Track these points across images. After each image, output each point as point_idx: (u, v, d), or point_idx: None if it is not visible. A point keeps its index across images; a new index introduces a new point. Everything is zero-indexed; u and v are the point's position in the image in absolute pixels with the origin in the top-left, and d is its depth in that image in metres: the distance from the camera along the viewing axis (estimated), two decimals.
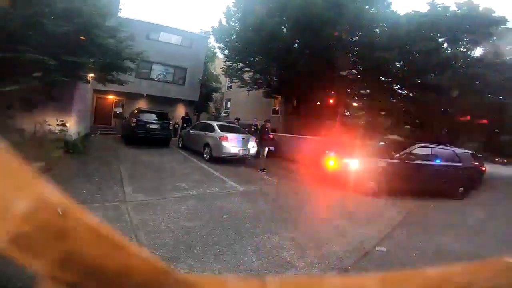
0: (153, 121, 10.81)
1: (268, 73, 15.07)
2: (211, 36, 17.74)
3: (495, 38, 13.74)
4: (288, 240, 3.55)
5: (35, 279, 0.23)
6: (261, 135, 8.70)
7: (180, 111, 17.42)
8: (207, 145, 8.81)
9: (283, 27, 12.73)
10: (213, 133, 8.83)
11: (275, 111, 19.41)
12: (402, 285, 0.30)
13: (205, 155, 8.84)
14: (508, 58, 13.58)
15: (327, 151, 7.59)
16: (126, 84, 11.62)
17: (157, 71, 17.60)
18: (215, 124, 9.47)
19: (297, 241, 3.54)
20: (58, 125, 7.85)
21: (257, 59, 14.50)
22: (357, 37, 13.29)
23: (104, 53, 8.03)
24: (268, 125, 8.81)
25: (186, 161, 8.67)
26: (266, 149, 8.60)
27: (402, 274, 0.31)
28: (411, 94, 15.63)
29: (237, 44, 14.76)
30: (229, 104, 24.83)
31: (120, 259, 0.26)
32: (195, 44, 18.61)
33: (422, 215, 5.62)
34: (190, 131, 10.56)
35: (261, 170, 8.23)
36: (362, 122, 17.95)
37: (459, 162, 7.40)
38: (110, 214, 3.73)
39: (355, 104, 17.01)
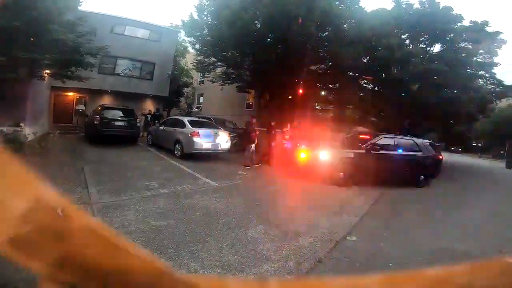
0: (119, 118, 10.26)
1: (241, 67, 14.95)
2: (182, 30, 17.19)
3: (452, 35, 14.90)
4: (263, 233, 3.59)
5: (34, 280, 0.23)
6: (247, 131, 8.61)
7: (149, 107, 16.72)
8: (177, 141, 8.56)
9: (256, 21, 12.67)
10: (183, 129, 8.59)
11: (249, 106, 19.37)
12: (402, 285, 0.30)
13: (176, 152, 8.58)
14: (463, 55, 14.82)
15: (298, 144, 7.75)
16: (87, 80, 10.98)
17: (122, 66, 16.78)
18: (185, 119, 9.22)
19: (271, 234, 3.59)
20: (10, 125, 7.15)
21: (229, 53, 14.29)
22: (326, 33, 13.62)
23: (61, 48, 7.52)
24: (254, 121, 8.75)
25: (155, 159, 8.36)
26: (253, 145, 8.52)
27: (402, 275, 0.31)
28: (376, 88, 16.49)
29: (209, 38, 14.46)
30: (201, 99, 24.32)
31: (119, 260, 0.25)
32: (164, 38, 17.98)
33: (388, 204, 5.95)
34: (160, 127, 10.19)
35: (247, 166, 8.18)
36: (332, 115, 18.64)
37: (420, 151, 7.92)
38: None
39: (325, 97, 17.52)
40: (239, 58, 14.22)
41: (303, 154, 7.26)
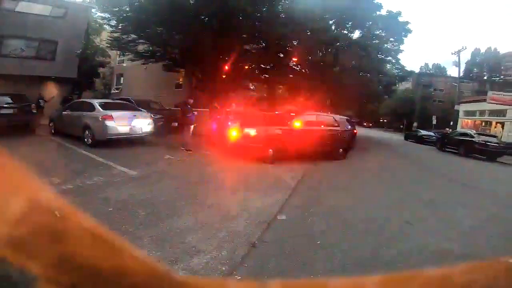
0: (6, 106, 8.21)
1: (168, 45, 13.57)
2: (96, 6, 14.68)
3: (370, 23, 16.44)
4: (191, 223, 3.21)
5: (32, 281, 0.22)
6: (182, 112, 7.80)
7: (52, 90, 13.96)
8: (86, 127, 7.23)
9: None
10: (93, 112, 7.29)
11: (178, 85, 18.06)
12: (402, 285, 0.30)
13: (86, 140, 7.26)
14: (377, 41, 16.61)
15: (229, 123, 7.50)
16: None
17: (11, 46, 13.83)
18: (95, 101, 7.85)
19: (201, 222, 3.24)
20: None
21: (156, 30, 12.74)
22: (260, 13, 13.33)
23: None
24: (191, 101, 7.95)
25: (59, 150, 6.96)
26: (191, 127, 7.82)
27: (402, 275, 0.31)
28: (303, 70, 17.34)
29: (129, 14, 12.60)
30: (122, 80, 21.55)
31: (117, 261, 0.25)
32: (72, 14, 15.34)
33: (313, 178, 6.16)
34: (63, 112, 8.49)
35: (186, 150, 7.49)
36: (265, 95, 19.00)
37: (338, 126, 8.57)
38: None
39: (258, 77, 17.61)
40: (165, 35, 12.85)
41: (234, 133, 7.06)
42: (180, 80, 17.78)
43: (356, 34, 17.28)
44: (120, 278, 0.24)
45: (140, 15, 11.91)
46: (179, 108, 8.17)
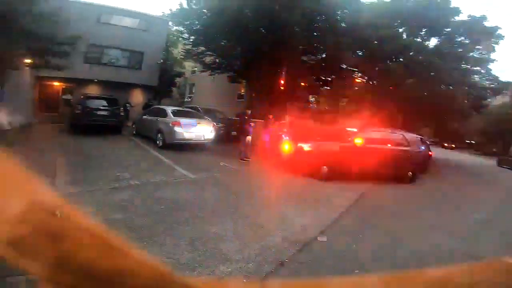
0: (101, 108, 9.95)
1: (231, 57, 14.56)
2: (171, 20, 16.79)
3: (449, 29, 14.53)
4: (229, 231, 3.32)
5: (32, 281, 0.22)
6: (241, 123, 8.29)
7: (138, 96, 16.35)
8: (159, 131, 8.25)
9: (246, 10, 12.26)
10: (165, 118, 8.29)
11: (240, 96, 19.01)
12: (402, 285, 0.30)
13: (158, 142, 8.29)
14: (460, 50, 14.48)
15: (283, 136, 7.50)
16: (66, 69, 10.83)
17: (110, 55, 16.42)
18: (168, 108, 8.92)
19: (238, 232, 3.33)
20: None
21: (221, 42, 13.89)
22: (319, 23, 13.20)
23: (35, 38, 7.57)
24: (248, 112, 8.40)
25: (135, 149, 8.08)
26: (248, 137, 8.12)
27: (403, 275, 0.30)
28: (370, 82, 16.20)
29: (198, 27, 14.02)
30: (194, 89, 23.87)
31: (118, 261, 0.25)
32: (154, 28, 17.55)
33: (370, 201, 5.62)
34: (143, 116, 9.87)
35: (243, 159, 7.87)
36: (326, 108, 18.38)
37: (408, 146, 7.63)
38: None
39: (319, 89, 17.20)
40: (229, 47, 13.83)
41: (286, 146, 7.01)
42: (242, 91, 18.69)
43: (433, 42, 15.35)
44: (120, 279, 0.24)
45: (207, 29, 13.00)
46: (239, 118, 8.57)
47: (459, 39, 14.63)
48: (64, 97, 16.32)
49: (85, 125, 9.55)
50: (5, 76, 8.69)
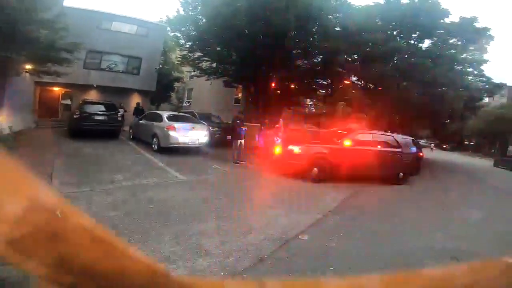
0: (99, 113, 10.16)
1: (226, 62, 14.85)
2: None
3: (441, 31, 14.73)
4: (214, 228, 3.49)
5: (32, 281, 0.23)
6: (233, 127, 8.47)
7: (135, 101, 16.59)
8: (155, 135, 8.47)
9: (241, 16, 12.54)
10: (160, 123, 8.51)
11: (237, 101, 19.26)
12: (402, 285, 0.30)
13: (153, 146, 8.51)
14: (453, 51, 14.67)
15: (275, 139, 7.70)
16: (66, 76, 11.01)
17: (108, 61, 16.70)
18: (163, 113, 9.14)
19: (222, 229, 3.47)
20: None
21: (217, 48, 14.17)
22: (315, 27, 13.46)
23: (36, 45, 7.73)
24: (241, 116, 8.63)
25: (131, 153, 8.27)
26: (239, 141, 8.30)
27: (402, 275, 0.31)
28: (363, 85, 16.40)
29: (194, 33, 14.32)
30: (192, 94, 24.16)
31: (116, 261, 0.25)
32: (152, 33, 17.84)
33: (358, 202, 5.74)
34: (140, 121, 10.10)
35: (236, 162, 8.09)
36: (324, 112, 18.57)
37: (399, 147, 7.73)
38: None
39: (313, 93, 17.41)
40: (224, 52, 14.12)
41: (278, 149, 7.21)
42: (239, 95, 18.96)
43: (426, 44, 15.57)
44: (120, 279, 0.25)
45: (203, 34, 13.30)
46: (231, 123, 8.79)
47: (451, 41, 14.87)
48: (63, 102, 16.60)
49: (83, 129, 9.75)
50: (5, 81, 8.94)
